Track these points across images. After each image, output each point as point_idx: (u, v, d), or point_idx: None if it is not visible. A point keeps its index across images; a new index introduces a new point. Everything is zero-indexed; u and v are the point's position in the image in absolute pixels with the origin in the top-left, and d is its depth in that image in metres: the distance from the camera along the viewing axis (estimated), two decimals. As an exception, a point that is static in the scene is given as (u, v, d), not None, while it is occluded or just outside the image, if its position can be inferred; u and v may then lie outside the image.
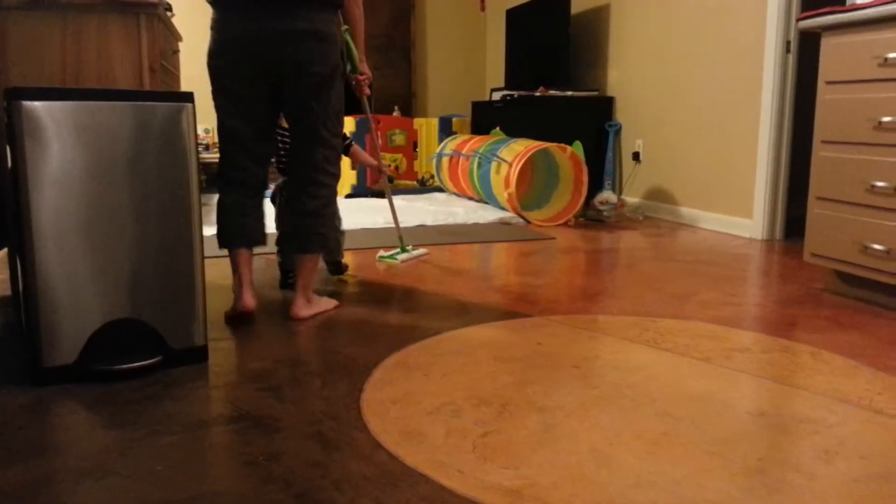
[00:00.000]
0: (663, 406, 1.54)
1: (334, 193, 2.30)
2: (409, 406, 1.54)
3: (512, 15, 5.73)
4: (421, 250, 3.23)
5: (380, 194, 5.24)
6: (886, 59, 2.18)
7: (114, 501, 1.17)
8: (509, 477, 1.24)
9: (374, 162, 3.02)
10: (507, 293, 2.53)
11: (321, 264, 2.58)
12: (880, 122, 2.21)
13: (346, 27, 2.32)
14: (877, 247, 2.23)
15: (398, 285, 2.63)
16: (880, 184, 2.21)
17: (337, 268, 2.75)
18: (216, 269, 2.87)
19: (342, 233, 2.74)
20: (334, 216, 2.43)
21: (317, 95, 2.14)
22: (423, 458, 1.30)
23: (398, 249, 3.16)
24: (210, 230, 3.66)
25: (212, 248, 3.20)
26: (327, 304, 2.34)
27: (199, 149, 6.17)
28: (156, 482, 1.22)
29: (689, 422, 1.46)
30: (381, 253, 3.15)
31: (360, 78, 2.46)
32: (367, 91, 2.52)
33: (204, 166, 5.93)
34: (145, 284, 1.70)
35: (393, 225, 3.22)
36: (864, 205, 2.29)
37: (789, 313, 2.28)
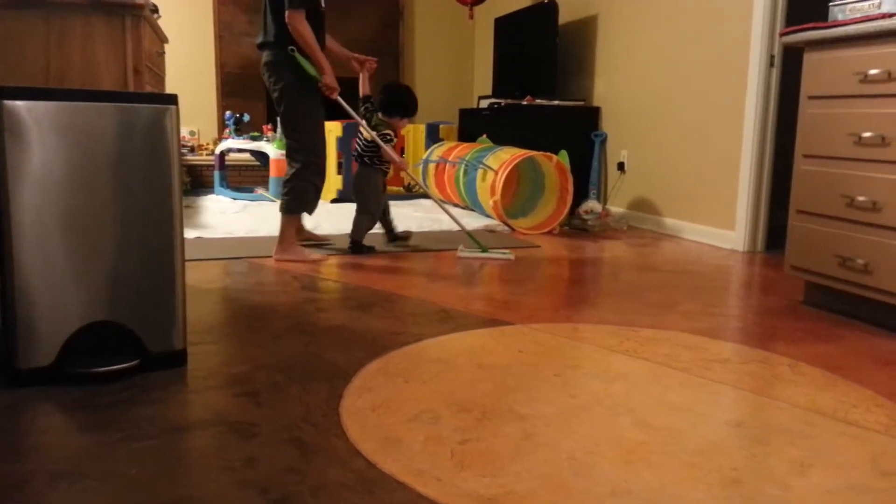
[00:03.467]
0: (642, 415, 1.54)
1: (298, 175, 3.04)
2: (388, 413, 1.53)
3: (500, 24, 5.76)
4: (505, 254, 3.36)
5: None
6: (867, 76, 2.22)
7: (87, 506, 1.15)
8: (487, 485, 1.24)
9: (397, 159, 3.40)
10: (490, 300, 2.54)
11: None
12: (860, 138, 2.24)
13: (291, 48, 2.90)
14: (856, 260, 2.26)
15: (381, 291, 2.63)
16: (860, 198, 2.24)
17: (355, 246, 3.36)
18: (197, 272, 2.85)
19: (373, 215, 3.41)
20: (297, 190, 3.07)
21: (277, 106, 3.04)
22: (400, 465, 1.30)
23: (479, 249, 3.38)
24: (192, 233, 3.67)
25: (193, 251, 3.20)
26: (305, 256, 3.12)
27: (184, 151, 6.14)
28: (130, 486, 1.21)
29: (667, 432, 1.47)
30: (462, 251, 3.39)
31: (320, 86, 3.02)
32: (331, 96, 3.06)
33: (188, 169, 5.90)
34: (125, 287, 1.68)
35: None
36: (843, 219, 2.31)
37: (768, 325, 2.30)
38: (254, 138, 5.42)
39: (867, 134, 2.21)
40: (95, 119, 1.62)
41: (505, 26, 5.69)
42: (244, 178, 6.02)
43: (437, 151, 5.20)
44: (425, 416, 1.52)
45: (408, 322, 2.24)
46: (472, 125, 5.64)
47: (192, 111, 6.16)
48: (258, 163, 5.82)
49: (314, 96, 3.04)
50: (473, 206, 4.62)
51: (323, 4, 3.02)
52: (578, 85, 5.08)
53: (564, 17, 4.97)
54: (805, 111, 2.47)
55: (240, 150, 5.57)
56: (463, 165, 4.60)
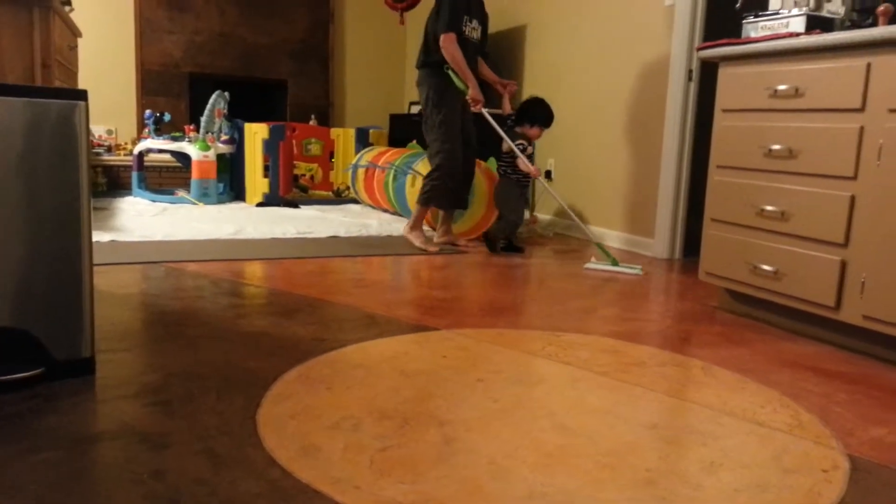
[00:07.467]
0: (561, 419, 1.56)
1: (436, 175, 3.65)
2: (307, 420, 1.50)
3: (431, 30, 5.76)
4: (634, 269, 3.33)
5: (292, 203, 5.15)
6: (776, 91, 2.32)
7: (-24, 525, 1.08)
8: (405, 492, 1.23)
9: (531, 169, 3.70)
10: (416, 306, 2.53)
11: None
12: (770, 150, 2.34)
13: (446, 66, 3.55)
14: (765, 267, 2.36)
15: (305, 297, 2.58)
16: (769, 208, 2.35)
17: (508, 245, 3.80)
18: (111, 277, 2.73)
19: (516, 221, 3.80)
20: (430, 187, 3.66)
21: (423, 117, 3.70)
22: (318, 473, 1.27)
23: (609, 261, 3.39)
24: (106, 236, 3.52)
25: (107, 255, 3.06)
26: (423, 242, 3.71)
27: (101, 150, 5.88)
28: (28, 501, 1.14)
29: (584, 434, 1.49)
30: (593, 262, 3.43)
31: (467, 98, 3.61)
32: (475, 108, 3.63)
33: (105, 169, 5.67)
34: (28, 291, 1.59)
35: (309, 234, 3.16)
36: (754, 227, 2.42)
37: (684, 329, 2.38)
38: (175, 138, 5.25)
39: (776, 146, 2.32)
40: (-3, 114, 1.52)
41: (435, 33, 5.70)
42: (164, 180, 5.82)
43: (367, 156, 5.17)
44: (346, 424, 1.49)
45: (332, 328, 2.20)
46: (402, 130, 5.63)
47: (109, 109, 5.92)
48: (179, 164, 5.64)
49: (450, 109, 3.61)
50: (403, 211, 4.60)
51: (469, 34, 3.62)
52: (507, 93, 5.13)
53: (494, 25, 4.99)
54: (719, 124, 2.57)
55: (160, 151, 5.38)
56: (392, 171, 4.59)
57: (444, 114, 3.62)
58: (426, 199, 3.71)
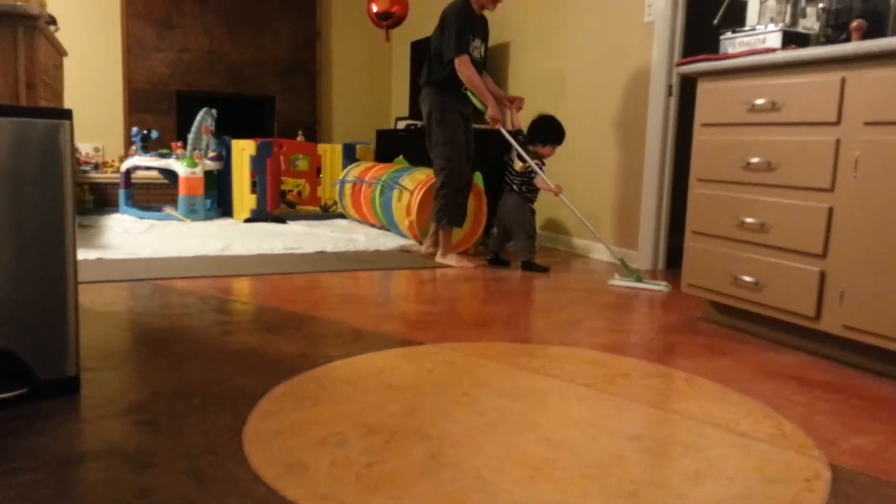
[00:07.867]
0: (546, 432, 1.58)
1: (442, 192, 3.69)
2: (294, 437, 1.51)
3: (417, 47, 5.82)
4: (659, 285, 3.29)
5: (279, 219, 5.16)
6: (754, 105, 2.36)
7: (-40, 547, 1.08)
8: (391, 507, 1.23)
9: (552, 186, 3.68)
10: (403, 321, 2.54)
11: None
12: (749, 163, 2.38)
13: (464, 88, 3.62)
14: (746, 278, 2.39)
15: (292, 312, 2.59)
16: (749, 220, 2.38)
17: (527, 266, 3.68)
18: (97, 295, 2.73)
19: (532, 238, 3.74)
20: (441, 204, 3.69)
21: (427, 134, 3.76)
22: (304, 490, 1.28)
23: (632, 277, 3.36)
24: (93, 253, 3.51)
25: (93, 272, 3.06)
26: (458, 261, 3.71)
27: (88, 168, 5.86)
28: (10, 525, 1.14)
29: (569, 447, 1.50)
30: (617, 279, 3.38)
31: (486, 117, 3.63)
32: (494, 126, 3.65)
33: (92, 187, 5.65)
34: (11, 310, 1.59)
35: (299, 249, 3.17)
36: (734, 239, 2.45)
37: (667, 341, 2.40)
38: (162, 155, 5.25)
39: (755, 159, 2.36)
40: (-20, 134, 1.53)
41: (422, 50, 5.74)
42: (152, 197, 5.81)
43: (354, 171, 5.19)
44: (332, 440, 1.50)
45: (318, 344, 2.21)
46: (388, 146, 5.66)
47: (97, 127, 5.92)
48: (166, 181, 5.64)
49: (454, 125, 3.67)
50: (389, 226, 4.62)
51: (475, 54, 3.65)
52: (492, 108, 5.18)
53: (478, 41, 5.07)
54: (698, 138, 2.61)
55: (147, 168, 5.38)
56: (379, 186, 4.60)
57: (448, 130, 3.67)
58: (440, 218, 3.73)
